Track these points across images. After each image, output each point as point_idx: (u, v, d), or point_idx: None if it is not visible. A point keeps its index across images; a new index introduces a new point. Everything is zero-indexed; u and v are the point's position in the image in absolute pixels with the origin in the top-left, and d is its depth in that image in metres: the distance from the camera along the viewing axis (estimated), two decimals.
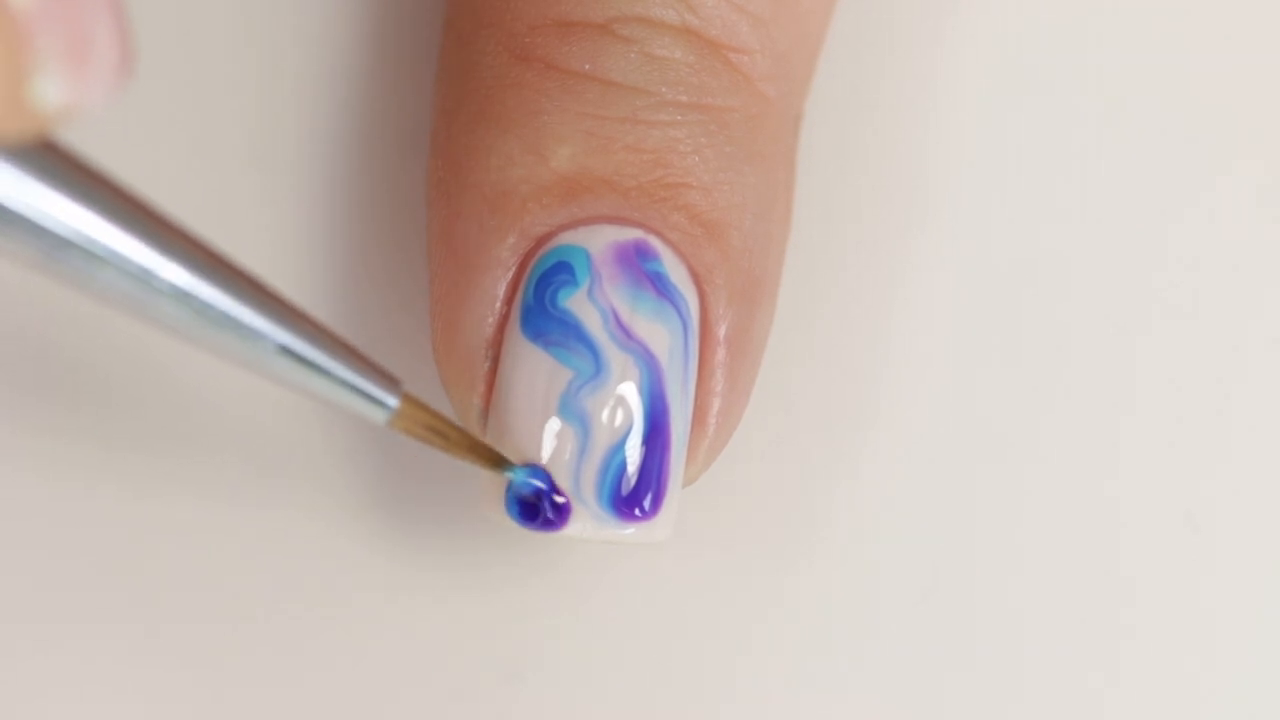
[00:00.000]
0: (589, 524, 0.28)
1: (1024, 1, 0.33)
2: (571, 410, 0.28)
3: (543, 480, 0.28)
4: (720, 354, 0.29)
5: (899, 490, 0.32)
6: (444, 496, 0.32)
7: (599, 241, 0.28)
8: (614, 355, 0.28)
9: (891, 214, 0.33)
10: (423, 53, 0.32)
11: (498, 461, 0.28)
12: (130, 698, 0.31)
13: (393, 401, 0.26)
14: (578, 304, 0.28)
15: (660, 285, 0.28)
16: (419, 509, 0.32)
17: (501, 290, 0.29)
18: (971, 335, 0.32)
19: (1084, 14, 0.33)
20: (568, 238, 0.28)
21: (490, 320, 0.29)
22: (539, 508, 0.28)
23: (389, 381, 0.26)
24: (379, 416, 0.26)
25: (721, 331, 0.29)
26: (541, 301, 0.28)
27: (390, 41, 0.33)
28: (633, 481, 0.28)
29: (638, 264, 0.28)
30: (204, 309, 0.23)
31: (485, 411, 0.29)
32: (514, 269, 0.28)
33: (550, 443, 0.28)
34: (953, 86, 0.33)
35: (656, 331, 0.28)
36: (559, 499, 0.28)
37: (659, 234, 0.28)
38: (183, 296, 0.23)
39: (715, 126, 0.28)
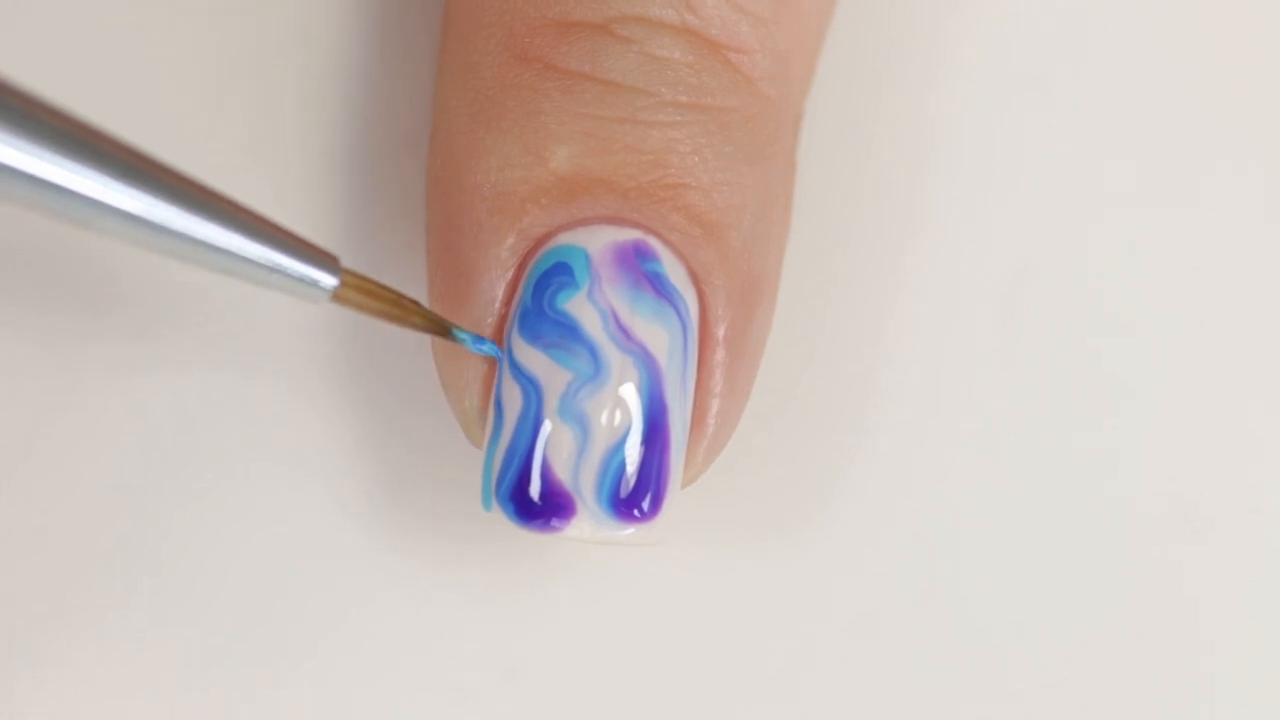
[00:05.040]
0: (588, 525, 0.28)
1: (1024, 2, 0.33)
2: (570, 412, 0.28)
3: (491, 349, 0.28)
4: (719, 354, 0.29)
5: (898, 491, 0.32)
6: (444, 497, 0.32)
7: (598, 242, 0.28)
8: (613, 356, 0.28)
9: (891, 214, 0.33)
10: (423, 53, 0.32)
11: (443, 327, 0.28)
12: (128, 698, 0.31)
13: (331, 280, 0.26)
14: (577, 306, 0.28)
15: (659, 286, 0.28)
16: (419, 509, 0.32)
17: (500, 291, 0.29)
18: (970, 335, 0.32)
19: (1083, 14, 0.33)
20: (567, 238, 0.28)
21: (489, 321, 0.29)
22: (537, 505, 0.28)
23: (328, 260, 0.26)
24: (321, 296, 0.26)
25: (720, 332, 0.29)
26: (539, 304, 0.28)
27: (390, 41, 0.33)
28: (632, 482, 0.28)
29: (637, 264, 0.28)
30: (127, 218, 0.23)
31: (483, 412, 0.29)
32: (513, 270, 0.28)
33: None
34: (952, 86, 0.33)
35: (655, 332, 0.28)
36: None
37: (658, 234, 0.28)
38: (98, 206, 0.23)
39: (715, 127, 0.28)
